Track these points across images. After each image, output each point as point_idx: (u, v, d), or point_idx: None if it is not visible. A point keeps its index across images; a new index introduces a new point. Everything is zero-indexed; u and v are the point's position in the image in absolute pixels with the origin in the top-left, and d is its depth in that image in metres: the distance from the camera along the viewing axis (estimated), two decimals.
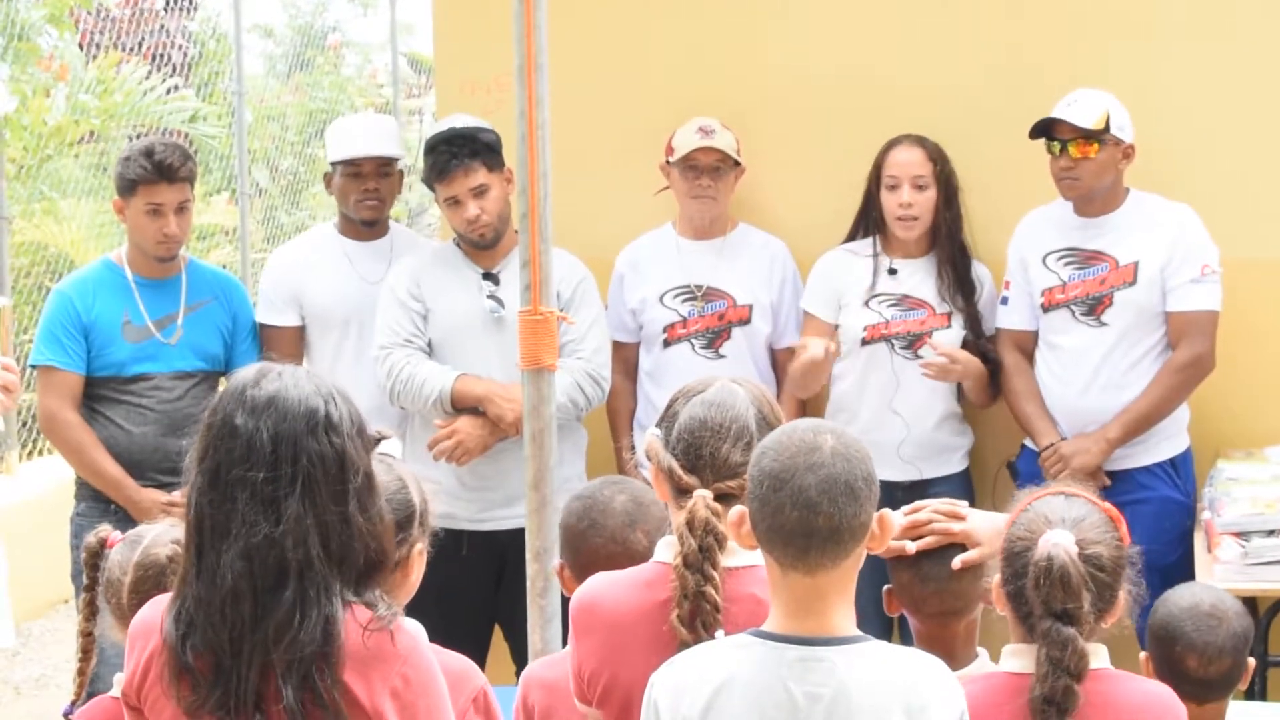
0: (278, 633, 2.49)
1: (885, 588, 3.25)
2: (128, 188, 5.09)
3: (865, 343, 5.21)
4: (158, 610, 2.61)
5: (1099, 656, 2.80)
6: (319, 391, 2.58)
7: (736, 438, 2.94)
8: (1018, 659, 2.81)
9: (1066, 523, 2.80)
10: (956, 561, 3.16)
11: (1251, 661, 3.35)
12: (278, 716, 2.52)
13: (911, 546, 3.17)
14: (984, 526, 3.21)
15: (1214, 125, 5.29)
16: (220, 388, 4.05)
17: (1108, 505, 2.89)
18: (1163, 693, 2.85)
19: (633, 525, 3.35)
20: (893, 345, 5.19)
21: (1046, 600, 2.74)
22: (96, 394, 5.12)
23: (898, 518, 3.18)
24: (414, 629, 2.62)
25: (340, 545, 2.53)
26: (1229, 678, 3.30)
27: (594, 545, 3.35)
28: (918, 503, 3.26)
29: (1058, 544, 2.75)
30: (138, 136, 9.95)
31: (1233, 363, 5.10)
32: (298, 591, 2.50)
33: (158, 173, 5.04)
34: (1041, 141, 5.00)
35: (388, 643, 2.55)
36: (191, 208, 5.19)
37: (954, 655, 3.05)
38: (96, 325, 5.12)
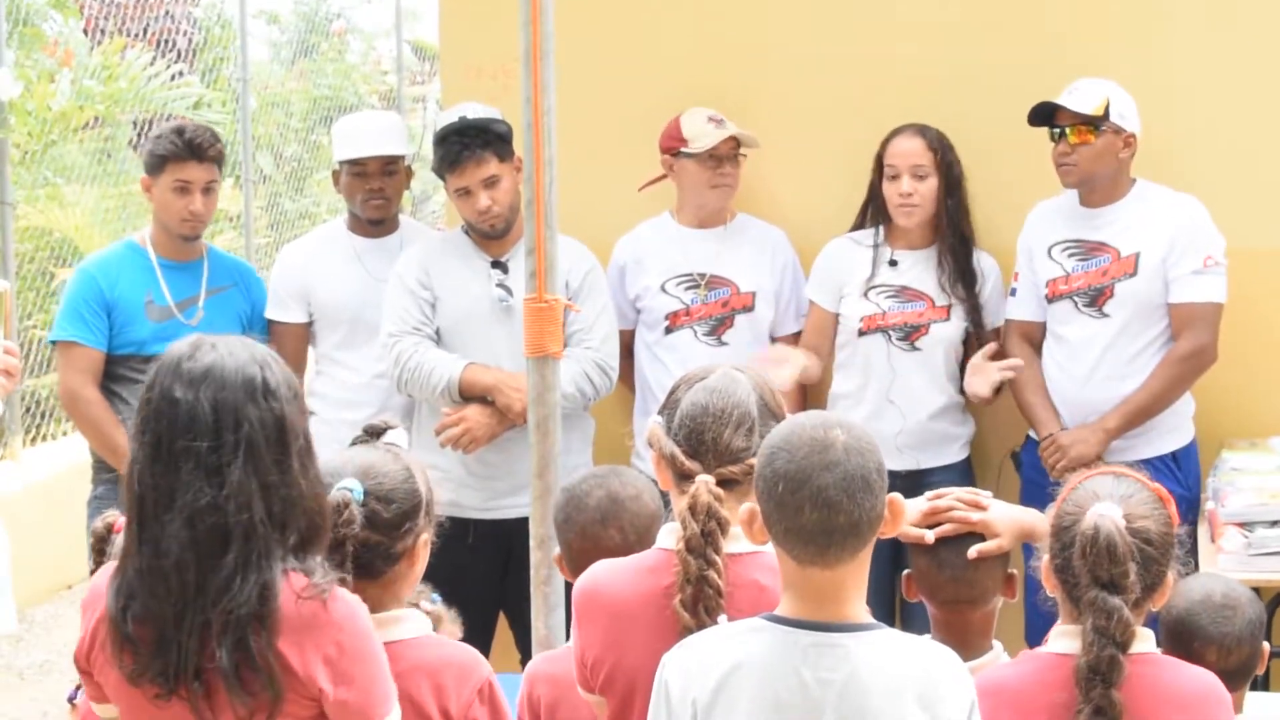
0: (216, 596, 2.53)
1: (905, 573, 3.26)
2: (157, 164, 5.14)
3: (862, 333, 5.21)
4: (106, 578, 2.66)
5: (1146, 641, 2.80)
6: (254, 359, 2.62)
7: (738, 424, 2.94)
8: (1065, 640, 2.80)
9: (1114, 498, 2.81)
10: (972, 551, 3.17)
11: (1266, 646, 3.34)
12: (215, 682, 2.56)
13: (930, 536, 3.18)
14: (1004, 517, 3.23)
15: (1220, 115, 5.28)
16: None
17: (1156, 485, 2.89)
18: (1209, 678, 2.84)
19: (604, 522, 3.35)
20: (889, 336, 5.18)
21: (1093, 569, 2.74)
22: (114, 372, 5.15)
23: (919, 503, 3.19)
24: (353, 600, 2.64)
25: (283, 509, 2.57)
26: (1247, 666, 3.29)
27: (568, 539, 3.40)
28: (940, 489, 3.29)
29: (1104, 514, 2.76)
30: (142, 123, 9.95)
31: (1238, 353, 5.09)
32: (240, 555, 2.54)
33: (188, 150, 5.11)
34: (1046, 130, 5.00)
35: (321, 610, 2.58)
36: (218, 190, 5.25)
37: (968, 645, 3.06)
38: (119, 303, 5.16)
